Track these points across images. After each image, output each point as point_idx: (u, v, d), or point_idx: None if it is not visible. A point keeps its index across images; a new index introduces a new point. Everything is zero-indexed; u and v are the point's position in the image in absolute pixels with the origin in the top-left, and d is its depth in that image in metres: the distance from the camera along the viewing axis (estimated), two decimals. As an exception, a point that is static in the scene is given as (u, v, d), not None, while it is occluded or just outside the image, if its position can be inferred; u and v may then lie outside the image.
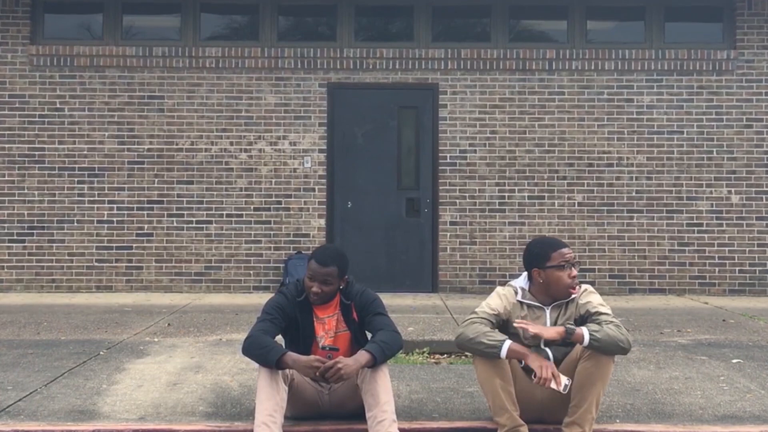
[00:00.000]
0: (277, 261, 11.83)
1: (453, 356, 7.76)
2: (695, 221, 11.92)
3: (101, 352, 7.15)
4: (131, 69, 11.93)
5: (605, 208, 11.92)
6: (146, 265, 11.78)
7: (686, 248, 11.90)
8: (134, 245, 11.80)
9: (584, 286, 4.83)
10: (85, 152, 11.85)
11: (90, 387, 5.90)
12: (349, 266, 5.07)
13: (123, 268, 11.72)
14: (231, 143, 11.92)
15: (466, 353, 7.75)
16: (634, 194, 11.93)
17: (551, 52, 12.02)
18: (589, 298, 4.74)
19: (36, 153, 11.83)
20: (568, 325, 4.48)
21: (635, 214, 11.91)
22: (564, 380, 4.41)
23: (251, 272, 11.86)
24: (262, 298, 10.95)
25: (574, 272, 4.69)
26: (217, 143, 11.91)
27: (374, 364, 4.60)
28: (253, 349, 4.69)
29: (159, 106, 11.91)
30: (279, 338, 4.99)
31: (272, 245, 11.88)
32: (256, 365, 4.73)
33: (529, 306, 4.76)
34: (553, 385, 4.37)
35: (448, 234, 11.92)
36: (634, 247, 11.88)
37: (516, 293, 4.78)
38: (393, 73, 12.02)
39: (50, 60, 11.88)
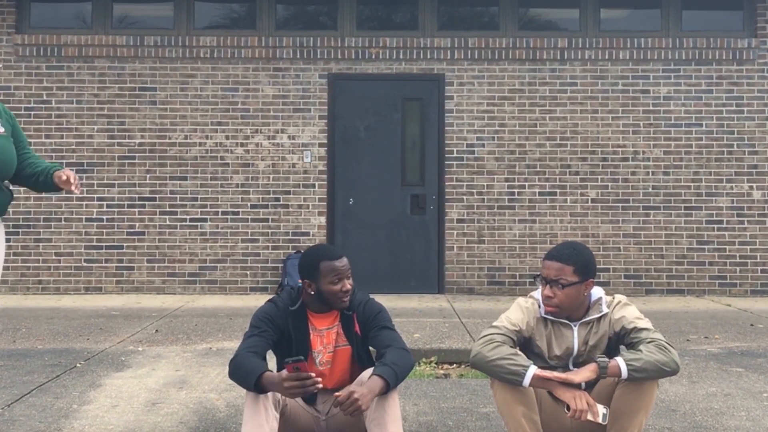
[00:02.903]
0: (276, 261, 11.26)
1: (463, 366, 7.19)
2: (715, 218, 11.34)
3: (78, 364, 6.56)
4: (122, 59, 11.36)
5: (620, 204, 11.34)
6: (137, 265, 11.22)
7: (705, 247, 11.32)
8: (125, 244, 11.24)
9: (617, 297, 4.21)
10: (74, 147, 11.30)
11: (58, 407, 5.30)
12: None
13: (113, 269, 11.16)
14: (227, 137, 11.35)
15: (477, 362, 7.26)
16: (650, 190, 11.35)
17: (563, 40, 11.44)
18: (624, 311, 4.12)
19: (22, 147, 11.23)
20: (599, 360, 3.83)
21: (652, 211, 11.33)
22: (601, 410, 3.79)
23: (248, 273, 11.30)
24: (258, 300, 10.41)
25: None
26: (212, 137, 11.35)
27: (387, 391, 3.99)
28: (237, 371, 4.06)
29: (151, 98, 11.35)
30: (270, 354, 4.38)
31: (270, 244, 11.31)
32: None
33: (553, 322, 4.15)
34: (589, 417, 3.75)
35: (455, 232, 11.35)
36: (651, 245, 11.30)
37: (540, 307, 4.17)
38: (397, 64, 11.45)
39: (37, 50, 11.33)
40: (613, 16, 11.71)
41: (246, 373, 3.98)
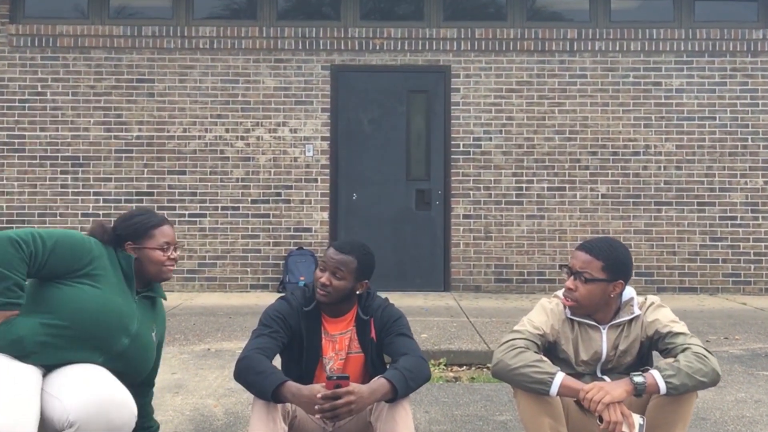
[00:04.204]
0: (277, 257, 10.95)
1: (473, 368, 6.88)
2: (728, 214, 11.02)
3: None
4: (119, 50, 11.05)
5: (631, 200, 11.02)
6: (135, 261, 10.89)
7: (719, 244, 11.01)
8: (122, 240, 10.90)
9: (650, 299, 3.88)
10: (69, 140, 10.98)
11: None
12: (372, 270, 4.06)
13: (110, 266, 10.85)
14: (227, 130, 11.04)
15: (488, 365, 6.95)
16: (662, 185, 11.03)
17: (572, 31, 11.12)
18: (657, 314, 3.79)
19: (15, 141, 10.95)
20: (635, 379, 3.48)
21: (664, 207, 11.01)
22: (638, 420, 3.45)
23: (248, 270, 10.98)
24: (259, 298, 10.15)
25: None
26: (212, 130, 11.03)
27: (394, 397, 3.65)
28: (248, 374, 3.68)
29: (149, 90, 11.04)
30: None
31: (271, 240, 11.00)
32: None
33: (580, 324, 3.83)
34: (625, 429, 3.41)
35: (461, 228, 11.03)
36: (663, 242, 10.99)
37: (565, 308, 3.84)
38: (402, 55, 11.13)
39: (31, 40, 11.00)
40: (624, 6, 11.39)
41: (262, 379, 3.63)
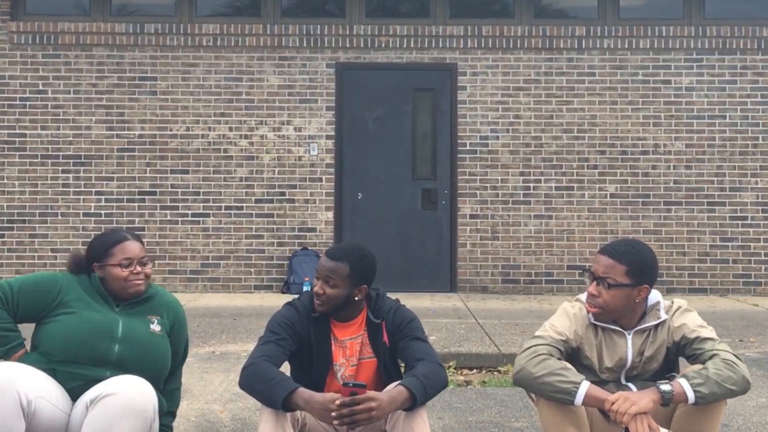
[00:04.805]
0: (281, 258, 10.81)
1: (483, 371, 6.74)
2: (739, 214, 10.87)
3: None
4: (121, 47, 10.91)
5: (640, 200, 10.87)
6: (137, 262, 10.74)
7: (729, 244, 10.85)
8: (124, 240, 10.76)
9: (677, 302, 3.73)
10: (71, 138, 10.84)
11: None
12: (372, 273, 3.91)
13: (112, 266, 10.70)
14: (230, 129, 10.89)
15: (499, 368, 6.80)
16: (671, 185, 10.88)
17: (581, 29, 10.97)
18: (685, 318, 3.64)
19: (16, 139, 10.81)
20: (662, 388, 3.32)
21: (673, 207, 10.86)
22: None
23: (252, 270, 10.84)
24: (263, 299, 10.00)
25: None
26: (215, 129, 10.89)
27: (412, 405, 3.50)
28: (255, 383, 3.55)
29: (151, 89, 10.90)
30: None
31: (275, 240, 10.85)
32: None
33: (604, 330, 3.68)
34: None
35: (468, 228, 10.88)
36: (672, 242, 10.84)
37: (588, 312, 3.69)
38: (407, 53, 10.99)
39: (32, 37, 10.86)
40: (632, 3, 11.24)
41: (272, 386, 3.49)
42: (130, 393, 3.44)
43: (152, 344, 3.78)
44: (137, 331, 3.75)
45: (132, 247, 3.84)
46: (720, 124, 10.93)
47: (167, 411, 3.89)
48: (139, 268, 3.82)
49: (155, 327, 3.83)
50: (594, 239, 10.82)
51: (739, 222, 10.87)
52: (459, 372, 6.64)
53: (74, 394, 3.58)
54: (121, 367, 3.64)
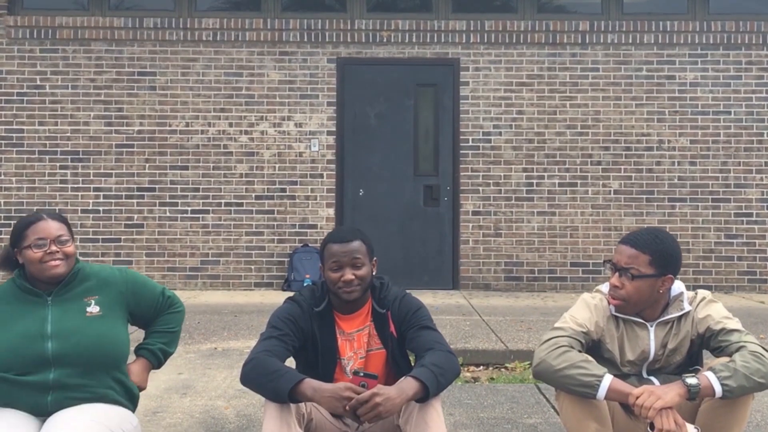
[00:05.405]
0: (281, 255, 10.69)
1: (490, 368, 6.63)
2: (744, 211, 10.77)
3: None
4: (119, 42, 10.78)
5: (644, 196, 10.77)
6: (136, 259, 10.64)
7: (734, 241, 10.75)
8: (123, 237, 10.66)
9: (701, 293, 3.62)
10: (69, 134, 10.71)
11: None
12: (373, 246, 3.88)
13: (110, 263, 10.54)
14: (230, 124, 10.77)
15: (506, 365, 6.69)
16: (676, 181, 10.78)
17: (584, 24, 10.87)
18: (709, 309, 3.52)
19: (14, 135, 10.69)
20: (689, 382, 3.21)
21: (678, 203, 10.75)
22: (692, 430, 3.19)
23: (252, 267, 10.72)
24: (264, 296, 9.88)
25: None
26: (215, 124, 10.77)
27: (425, 397, 3.37)
28: (258, 376, 3.43)
29: (150, 84, 10.77)
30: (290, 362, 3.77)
31: (276, 237, 10.73)
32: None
33: (625, 321, 3.56)
34: None
35: (471, 225, 10.77)
36: (677, 239, 10.67)
37: (609, 304, 3.57)
38: (409, 48, 10.87)
39: (30, 32, 10.73)
40: (636, -2, 11.16)
41: (276, 378, 3.37)
42: None
43: (89, 329, 3.53)
44: (69, 321, 3.52)
45: (45, 227, 3.58)
46: (725, 119, 10.83)
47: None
48: (54, 248, 3.56)
49: (92, 309, 3.59)
50: (598, 236, 10.72)
51: (744, 218, 10.77)
52: (466, 369, 6.53)
53: (34, 406, 3.42)
54: (63, 362, 3.44)
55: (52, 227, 3.60)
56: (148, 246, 10.70)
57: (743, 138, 10.81)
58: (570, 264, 10.76)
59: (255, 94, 10.80)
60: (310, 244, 10.61)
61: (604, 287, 3.64)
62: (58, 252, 3.56)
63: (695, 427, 3.22)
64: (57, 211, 10.60)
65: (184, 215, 10.72)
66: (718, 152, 10.81)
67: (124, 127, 10.74)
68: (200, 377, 5.73)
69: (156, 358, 3.81)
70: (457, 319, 8.21)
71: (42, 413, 3.43)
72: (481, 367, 6.65)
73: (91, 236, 10.62)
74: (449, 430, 4.52)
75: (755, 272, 10.73)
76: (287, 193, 10.76)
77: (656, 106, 10.83)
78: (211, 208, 10.74)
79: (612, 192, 10.80)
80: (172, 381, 5.60)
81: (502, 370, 6.54)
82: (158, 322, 3.85)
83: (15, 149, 10.68)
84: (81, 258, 3.81)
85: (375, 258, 3.85)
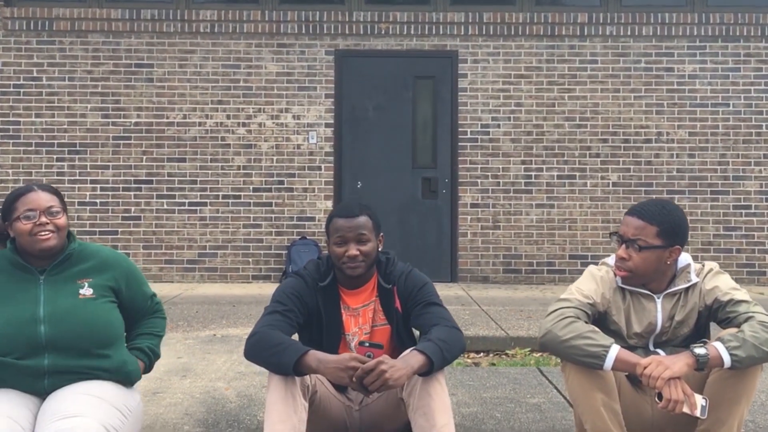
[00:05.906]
0: (279, 247, 10.65)
1: (491, 354, 6.60)
2: (743, 203, 10.76)
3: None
4: (117, 34, 10.74)
5: (643, 188, 10.75)
6: (133, 251, 10.59)
7: (733, 233, 10.74)
8: (120, 230, 10.62)
9: (708, 265, 3.59)
10: (65, 126, 10.66)
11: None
12: (379, 219, 3.82)
13: (107, 255, 10.52)
14: (228, 117, 10.73)
15: (507, 351, 6.66)
16: (674, 173, 10.77)
17: (583, 16, 10.84)
18: (716, 281, 3.49)
19: (10, 127, 10.64)
20: (697, 352, 3.17)
21: (676, 196, 10.73)
22: (700, 401, 3.15)
23: (250, 260, 10.68)
24: (261, 289, 9.84)
25: None
26: (213, 117, 10.73)
27: (429, 370, 3.34)
28: (262, 350, 3.39)
29: (147, 76, 10.73)
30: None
31: (273, 230, 10.69)
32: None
33: (632, 293, 3.53)
34: (685, 409, 3.11)
35: (469, 217, 10.75)
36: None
37: (616, 275, 3.54)
38: (407, 39, 10.84)
39: (26, 23, 10.68)
40: (635, -10, 11.13)
41: (281, 350, 3.33)
42: None
43: (84, 312, 3.42)
44: (63, 303, 3.41)
45: (35, 198, 3.44)
46: (723, 112, 10.81)
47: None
48: (44, 219, 3.42)
49: (86, 291, 3.47)
50: (596, 228, 10.70)
51: (743, 211, 10.76)
52: (467, 356, 6.50)
53: (32, 389, 3.36)
54: (57, 347, 3.35)
55: (42, 198, 3.47)
56: (145, 238, 10.66)
57: (742, 130, 10.80)
58: (569, 256, 10.73)
59: (253, 86, 10.76)
60: (308, 237, 10.58)
61: (610, 260, 3.61)
62: (48, 224, 3.43)
63: (703, 398, 3.18)
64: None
65: (182, 207, 10.68)
66: (717, 144, 10.80)
67: (122, 119, 10.70)
68: (200, 361, 5.69)
69: (147, 357, 3.67)
70: (456, 309, 8.17)
71: (40, 394, 3.37)
72: (482, 354, 6.61)
73: (88, 228, 10.56)
74: (454, 409, 4.46)
75: (754, 264, 10.72)
76: (285, 186, 10.73)
77: (655, 99, 10.81)
78: (208, 201, 10.71)
79: (610, 184, 10.78)
80: (172, 364, 5.57)
81: (503, 356, 6.50)
82: (144, 324, 3.73)
83: (12, 141, 10.63)
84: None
85: (382, 234, 3.80)
